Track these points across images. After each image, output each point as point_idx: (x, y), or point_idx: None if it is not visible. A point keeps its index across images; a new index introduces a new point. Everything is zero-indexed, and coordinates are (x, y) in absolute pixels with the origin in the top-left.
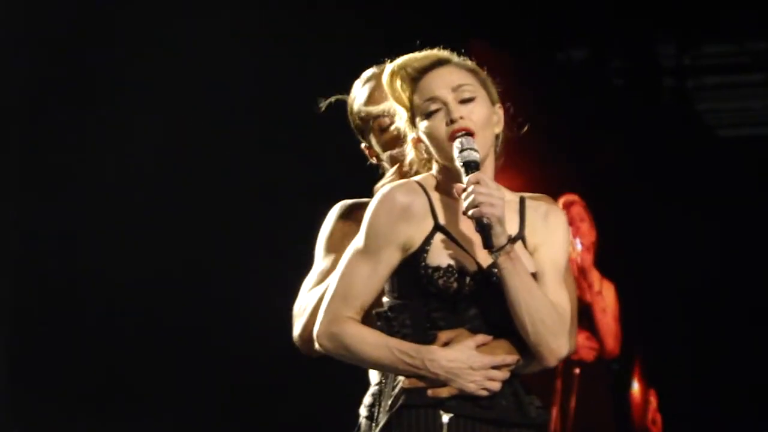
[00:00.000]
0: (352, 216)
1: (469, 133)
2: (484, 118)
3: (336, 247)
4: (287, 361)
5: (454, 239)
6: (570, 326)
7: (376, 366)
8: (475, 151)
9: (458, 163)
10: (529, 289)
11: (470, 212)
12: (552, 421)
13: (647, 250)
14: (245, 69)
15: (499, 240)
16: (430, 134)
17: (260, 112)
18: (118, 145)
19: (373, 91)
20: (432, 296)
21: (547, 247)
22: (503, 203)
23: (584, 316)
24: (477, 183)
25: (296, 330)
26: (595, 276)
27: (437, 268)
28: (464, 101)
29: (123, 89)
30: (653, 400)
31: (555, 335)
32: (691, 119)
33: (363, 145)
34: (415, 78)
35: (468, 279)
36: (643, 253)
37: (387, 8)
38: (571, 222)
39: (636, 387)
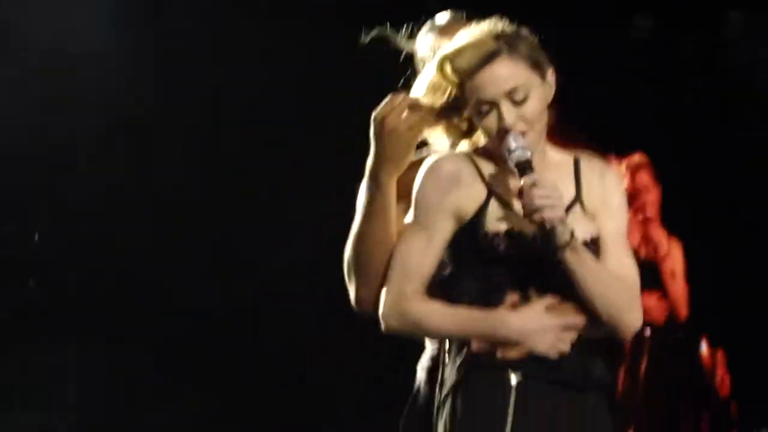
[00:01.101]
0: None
1: (520, 135)
2: (537, 111)
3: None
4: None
5: (508, 204)
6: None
7: (447, 336)
8: (524, 149)
9: (511, 164)
10: (597, 275)
11: (531, 216)
12: (622, 383)
13: (714, 205)
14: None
15: (563, 239)
16: (483, 131)
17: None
18: None
19: (443, 40)
20: (494, 262)
21: (606, 211)
22: (563, 202)
23: (653, 278)
24: (534, 185)
25: (352, 298)
26: (662, 235)
27: (497, 234)
28: (517, 102)
29: None
30: (721, 360)
31: (627, 311)
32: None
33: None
34: (465, 74)
35: (529, 242)
36: (710, 209)
37: None
38: (636, 192)
39: (704, 348)
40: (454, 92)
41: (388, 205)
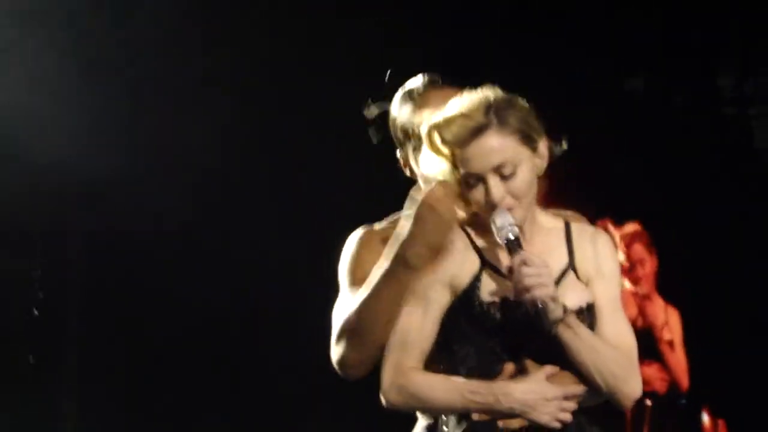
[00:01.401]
0: (377, 243)
1: (507, 213)
2: (526, 185)
3: (363, 276)
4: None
5: (501, 273)
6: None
7: (448, 410)
8: (514, 226)
9: (499, 241)
10: (593, 348)
11: (522, 296)
12: None
13: (710, 276)
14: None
15: (555, 315)
16: (472, 201)
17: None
18: None
19: (420, 108)
20: (491, 331)
21: (600, 277)
22: (552, 279)
23: (652, 348)
24: (523, 264)
25: (333, 357)
26: (659, 305)
27: (492, 303)
28: (505, 177)
29: None
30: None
31: (626, 381)
32: (754, 149)
33: (399, 154)
34: (453, 146)
35: (525, 311)
36: (706, 278)
37: (439, 33)
38: (632, 265)
39: (706, 419)
40: (447, 163)
41: (407, 285)
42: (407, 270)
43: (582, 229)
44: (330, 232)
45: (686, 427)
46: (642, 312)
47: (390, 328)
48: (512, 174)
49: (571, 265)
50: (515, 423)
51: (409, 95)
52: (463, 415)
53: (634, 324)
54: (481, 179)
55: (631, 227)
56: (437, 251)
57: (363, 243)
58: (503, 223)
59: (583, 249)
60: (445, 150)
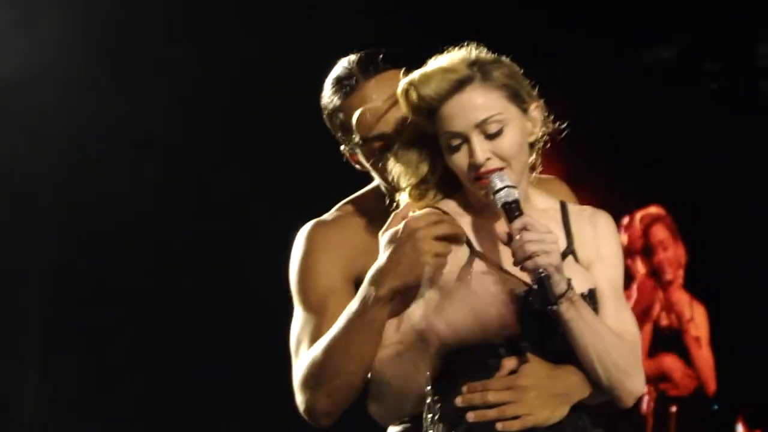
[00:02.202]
0: (331, 237)
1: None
2: (514, 146)
3: (319, 285)
4: None
5: (494, 263)
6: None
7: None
8: (512, 187)
9: (497, 206)
10: (596, 332)
11: (524, 264)
12: None
13: (741, 269)
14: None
15: (559, 288)
16: (455, 168)
17: None
18: None
19: (363, 111)
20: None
21: (601, 263)
22: (557, 246)
23: (677, 345)
24: (525, 229)
25: (300, 404)
26: (684, 300)
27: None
28: (490, 136)
29: None
30: None
31: (629, 375)
32: None
33: (344, 148)
34: (432, 106)
35: (520, 303)
36: (737, 272)
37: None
38: (652, 247)
39: (740, 429)
40: (421, 126)
41: (382, 321)
42: (379, 303)
43: (579, 210)
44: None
45: None
46: (667, 303)
47: (364, 369)
48: (498, 133)
49: (570, 249)
50: (516, 424)
51: (342, 84)
52: (456, 419)
53: (658, 319)
54: (464, 139)
55: (652, 209)
56: (411, 285)
57: (314, 241)
58: (501, 185)
59: (582, 231)
60: (423, 116)
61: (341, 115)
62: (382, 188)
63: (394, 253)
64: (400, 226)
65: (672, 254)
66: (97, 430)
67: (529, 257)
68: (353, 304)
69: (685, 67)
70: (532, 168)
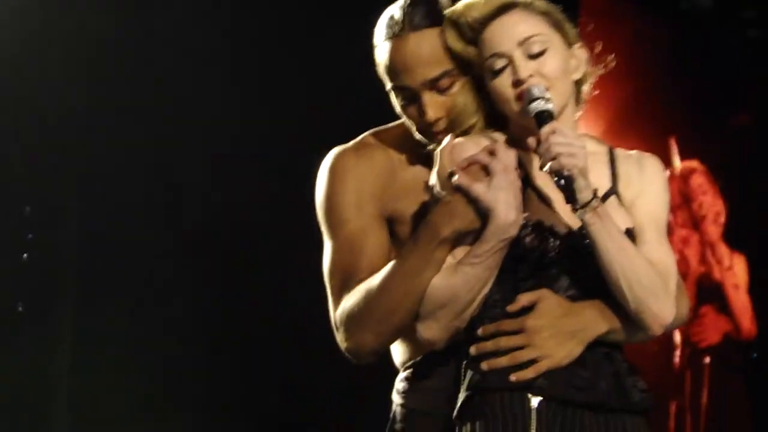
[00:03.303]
0: (359, 162)
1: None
2: (557, 69)
3: (350, 213)
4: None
5: (538, 195)
6: (677, 290)
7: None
8: (547, 99)
9: (530, 115)
10: (622, 248)
11: (548, 166)
12: (671, 418)
13: None
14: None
15: (584, 195)
16: (496, 94)
17: None
18: None
19: (393, 59)
20: (520, 260)
21: (644, 199)
22: (585, 152)
23: (715, 295)
24: (552, 133)
25: (345, 343)
26: (724, 250)
27: (524, 225)
28: (533, 56)
29: None
30: None
31: (656, 296)
32: None
33: (389, 87)
34: (476, 29)
35: (557, 239)
36: None
37: None
38: (691, 195)
39: None
40: (470, 60)
41: (443, 259)
42: (445, 247)
43: (627, 154)
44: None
45: (756, 386)
46: (704, 250)
47: (418, 305)
48: (541, 53)
49: (614, 190)
50: (530, 372)
51: (389, 26)
52: (469, 365)
53: (698, 268)
54: (507, 60)
55: (693, 163)
56: (476, 229)
57: (341, 171)
58: (537, 93)
59: (628, 173)
60: (467, 44)
61: (381, 55)
62: (413, 132)
63: (458, 197)
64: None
65: (710, 199)
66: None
67: (554, 158)
68: (411, 245)
69: (722, 14)
70: (578, 108)
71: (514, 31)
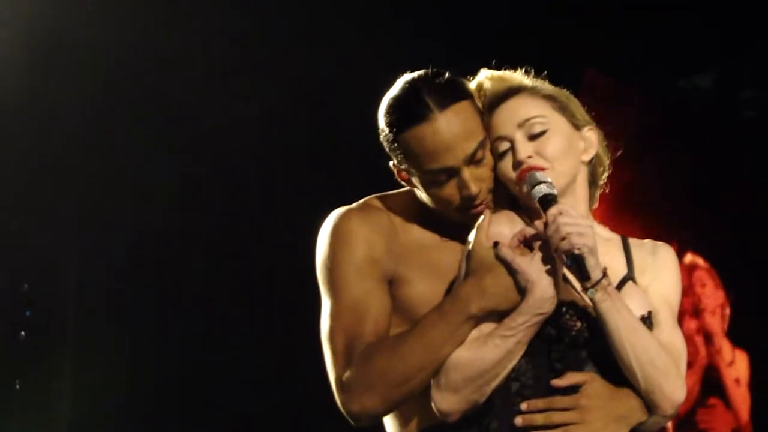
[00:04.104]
0: (364, 224)
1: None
2: (558, 150)
3: (355, 274)
4: None
5: (565, 278)
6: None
7: (493, 363)
8: (548, 183)
9: (534, 200)
10: (633, 328)
11: (558, 246)
12: None
13: None
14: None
15: (594, 273)
16: (502, 176)
17: None
18: None
19: (433, 143)
20: (555, 341)
21: (658, 284)
22: (593, 231)
23: (715, 387)
24: (560, 214)
25: (351, 405)
26: (725, 345)
27: (559, 305)
28: (533, 137)
29: None
30: None
31: (667, 377)
32: None
33: (392, 163)
34: (489, 106)
35: (588, 321)
36: None
37: (498, 32)
38: (690, 288)
39: None
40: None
41: (466, 335)
42: (469, 323)
43: (640, 243)
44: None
45: None
46: (703, 341)
47: (433, 375)
48: (541, 134)
49: (630, 275)
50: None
51: (412, 110)
52: (506, 417)
53: (699, 363)
54: (510, 143)
55: (692, 259)
56: (505, 303)
57: (347, 232)
58: (534, 181)
59: (642, 260)
60: (484, 104)
61: (408, 142)
62: (450, 213)
63: (492, 276)
64: (503, 249)
65: (712, 295)
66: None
67: (564, 238)
68: (436, 316)
69: (721, 94)
70: (594, 191)
71: (516, 114)
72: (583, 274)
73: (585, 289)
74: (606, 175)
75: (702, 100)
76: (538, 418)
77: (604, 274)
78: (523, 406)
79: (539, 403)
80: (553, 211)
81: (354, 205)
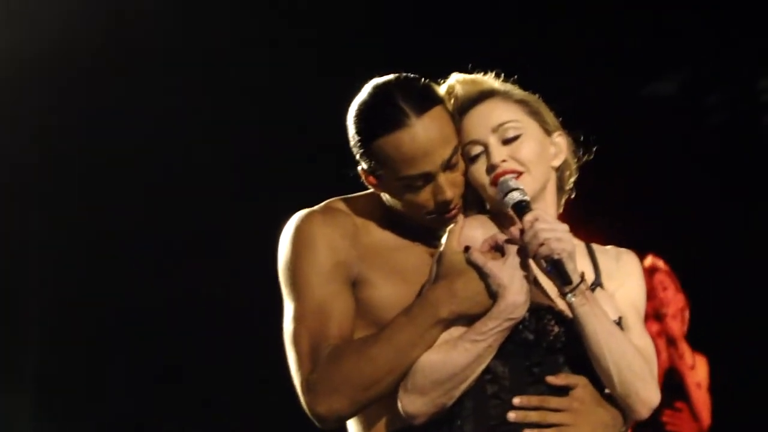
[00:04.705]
0: (328, 226)
1: (513, 174)
2: (532, 154)
3: (322, 276)
4: None
5: (535, 280)
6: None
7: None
8: (520, 190)
9: (508, 207)
10: (611, 332)
11: (537, 251)
12: None
13: (745, 321)
14: None
15: (573, 278)
16: (473, 180)
17: None
18: None
19: (412, 147)
20: (533, 345)
21: (624, 290)
22: (570, 236)
23: (678, 390)
24: (536, 220)
25: (318, 407)
26: (686, 348)
27: (535, 310)
28: (507, 141)
29: None
30: None
31: (644, 381)
32: None
33: (362, 168)
34: (459, 110)
35: (563, 327)
36: (740, 324)
37: (454, 35)
38: (652, 291)
39: None
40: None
41: (435, 338)
42: (440, 327)
43: (604, 249)
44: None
45: None
46: (666, 345)
47: (401, 378)
48: (515, 138)
49: (598, 281)
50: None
51: (387, 116)
52: (480, 420)
53: (661, 365)
54: (483, 147)
55: (653, 261)
56: (476, 306)
57: (310, 234)
58: (508, 187)
59: (608, 266)
60: (455, 108)
61: (383, 148)
62: (421, 218)
63: (463, 280)
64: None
65: (672, 299)
66: None
67: (542, 243)
68: (405, 319)
69: (686, 101)
70: (561, 196)
71: (489, 118)
72: (564, 279)
73: (563, 294)
74: (573, 180)
75: (666, 105)
76: (533, 415)
77: (582, 279)
78: (516, 401)
79: (534, 399)
80: (529, 217)
81: (316, 207)
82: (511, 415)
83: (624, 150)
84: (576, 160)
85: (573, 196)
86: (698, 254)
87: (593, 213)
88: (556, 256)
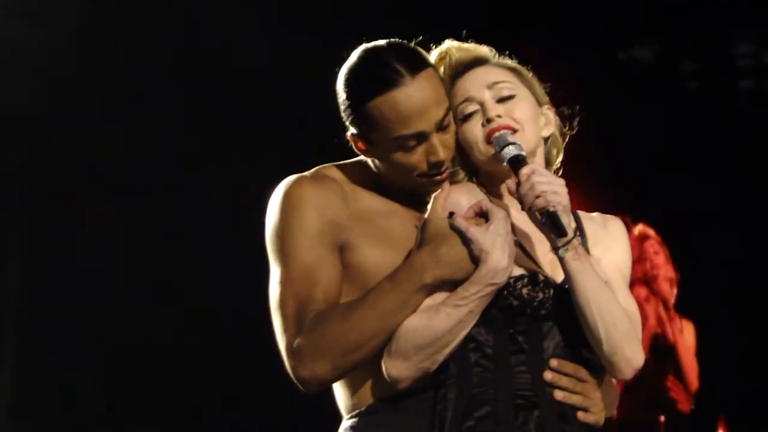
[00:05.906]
0: (318, 191)
1: (509, 130)
2: (527, 114)
3: (309, 243)
4: None
5: (521, 247)
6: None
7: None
8: (517, 145)
9: (504, 163)
10: (600, 290)
11: (533, 203)
12: None
13: (730, 287)
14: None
15: (568, 231)
16: (465, 139)
17: None
18: None
19: (408, 106)
20: (517, 313)
21: (610, 254)
22: (566, 189)
23: (669, 357)
24: (533, 173)
25: (301, 371)
26: (673, 314)
27: (521, 277)
28: (503, 99)
29: None
30: None
31: (630, 341)
32: None
33: (350, 134)
34: (452, 75)
35: (550, 292)
36: (726, 291)
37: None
38: (644, 256)
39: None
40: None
41: (419, 303)
42: (422, 292)
43: (590, 216)
44: None
45: None
46: (660, 310)
47: (385, 343)
48: (510, 97)
49: (585, 248)
50: (590, 417)
51: (383, 77)
52: (463, 388)
53: (648, 330)
54: (478, 105)
55: (643, 229)
56: (458, 279)
57: (298, 198)
58: (504, 141)
59: (595, 232)
60: (447, 73)
61: (379, 108)
62: (412, 180)
63: (447, 245)
64: (458, 219)
65: (663, 264)
66: None
67: (538, 196)
68: (389, 285)
69: (663, 67)
70: (548, 168)
71: (485, 78)
72: (559, 231)
73: (556, 249)
74: (560, 158)
75: (642, 71)
76: (564, 381)
77: (576, 234)
78: (554, 363)
79: (568, 366)
80: (525, 170)
81: (306, 173)
82: (548, 376)
83: (605, 120)
84: (562, 138)
85: (560, 173)
86: (677, 219)
87: (580, 182)
88: (551, 209)
